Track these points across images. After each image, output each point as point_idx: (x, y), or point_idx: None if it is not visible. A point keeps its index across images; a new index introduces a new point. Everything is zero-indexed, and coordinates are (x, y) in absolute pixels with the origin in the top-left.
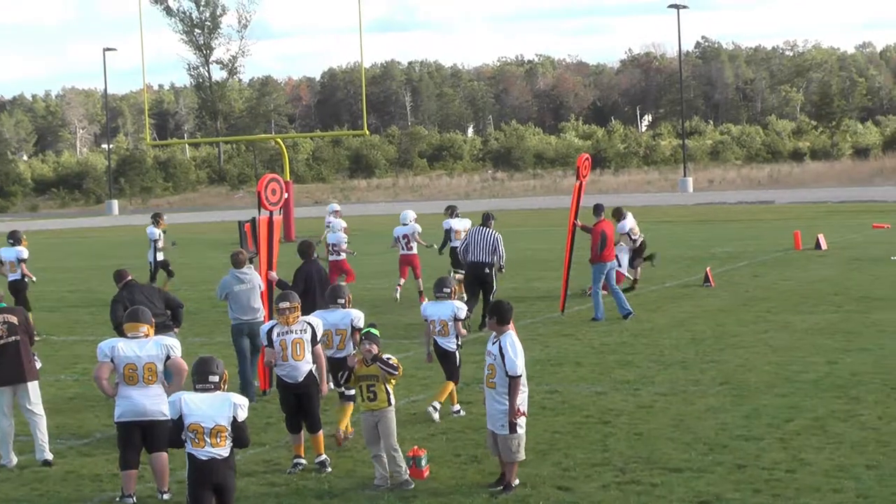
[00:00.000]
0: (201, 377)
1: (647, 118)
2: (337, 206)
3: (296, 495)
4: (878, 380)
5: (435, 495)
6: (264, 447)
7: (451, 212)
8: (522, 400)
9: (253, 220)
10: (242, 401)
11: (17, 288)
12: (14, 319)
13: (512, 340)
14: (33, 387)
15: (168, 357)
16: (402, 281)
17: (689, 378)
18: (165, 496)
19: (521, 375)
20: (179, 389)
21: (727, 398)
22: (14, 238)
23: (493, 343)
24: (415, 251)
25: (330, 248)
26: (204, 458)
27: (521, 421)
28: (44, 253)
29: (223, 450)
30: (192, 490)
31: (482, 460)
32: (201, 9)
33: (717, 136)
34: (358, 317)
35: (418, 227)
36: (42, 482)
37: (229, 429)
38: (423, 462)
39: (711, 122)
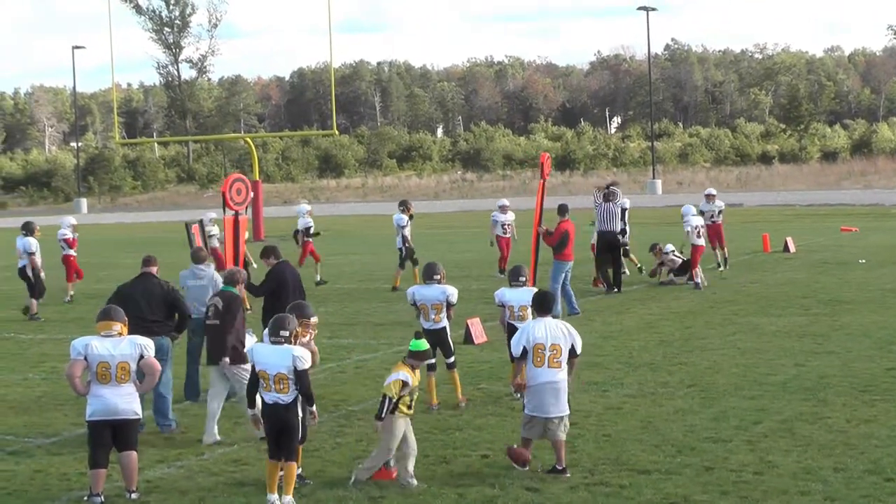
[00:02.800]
0: (275, 331)
1: (616, 120)
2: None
3: (264, 495)
4: (845, 383)
5: (404, 496)
6: (233, 447)
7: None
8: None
9: (200, 222)
10: (302, 353)
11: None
12: (220, 305)
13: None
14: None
15: (142, 356)
16: None
17: (658, 380)
18: (133, 496)
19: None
20: (151, 389)
21: (695, 400)
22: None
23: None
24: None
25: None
26: (269, 402)
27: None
28: (11, 251)
29: (286, 396)
30: (265, 429)
31: (450, 461)
32: (171, 7)
33: (686, 138)
34: (452, 292)
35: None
36: (9, 481)
37: (291, 377)
38: (392, 462)
39: (680, 125)
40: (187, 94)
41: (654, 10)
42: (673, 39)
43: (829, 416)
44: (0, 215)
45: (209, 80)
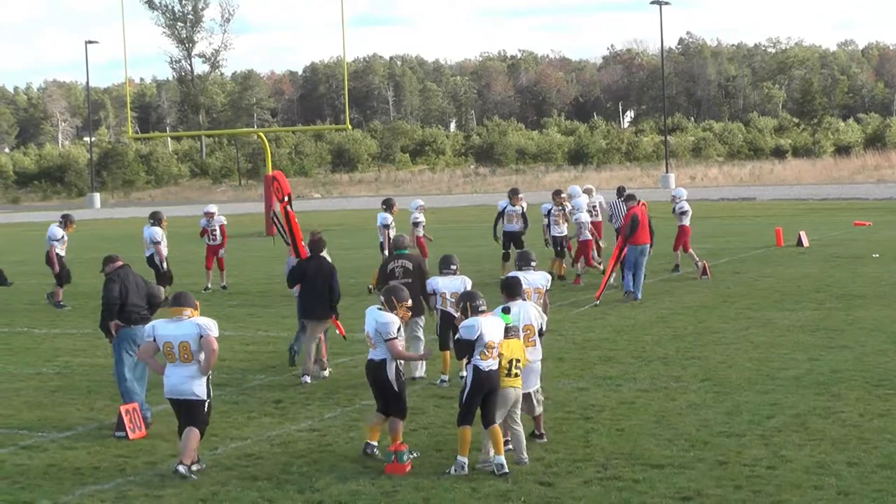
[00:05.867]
0: (474, 305)
1: (630, 114)
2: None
3: (277, 489)
4: (858, 377)
5: (417, 489)
6: (246, 441)
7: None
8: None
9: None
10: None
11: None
12: (409, 265)
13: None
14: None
15: (201, 336)
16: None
17: (671, 374)
18: (181, 469)
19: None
20: (210, 368)
21: (708, 394)
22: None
23: None
24: None
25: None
26: (486, 370)
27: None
28: (25, 245)
29: (495, 363)
30: (469, 396)
31: None
32: (183, 2)
33: (700, 132)
34: (548, 278)
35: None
36: (23, 475)
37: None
38: (405, 457)
39: (693, 119)
40: (200, 88)
41: (667, 3)
42: (687, 33)
43: (842, 410)
44: (14, 210)
45: (222, 74)
